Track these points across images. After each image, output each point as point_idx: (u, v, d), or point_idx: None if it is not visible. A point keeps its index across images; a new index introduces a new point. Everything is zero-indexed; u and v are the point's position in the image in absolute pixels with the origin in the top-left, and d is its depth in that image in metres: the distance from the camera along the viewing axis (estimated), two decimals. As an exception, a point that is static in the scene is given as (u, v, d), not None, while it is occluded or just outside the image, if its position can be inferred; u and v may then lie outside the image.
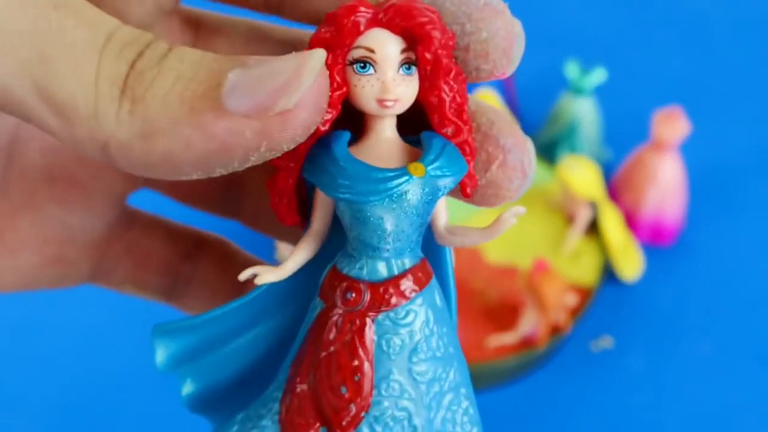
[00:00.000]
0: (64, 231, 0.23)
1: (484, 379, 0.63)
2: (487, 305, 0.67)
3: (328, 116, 0.19)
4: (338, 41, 0.18)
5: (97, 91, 0.16)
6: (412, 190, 0.19)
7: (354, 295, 0.19)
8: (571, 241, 0.70)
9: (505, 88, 0.81)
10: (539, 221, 0.73)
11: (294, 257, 0.20)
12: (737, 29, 0.98)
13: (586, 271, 0.69)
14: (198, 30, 0.22)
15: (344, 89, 0.19)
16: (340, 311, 0.19)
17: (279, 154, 0.17)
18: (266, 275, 0.20)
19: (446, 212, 0.20)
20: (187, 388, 0.20)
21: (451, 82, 0.19)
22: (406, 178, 0.18)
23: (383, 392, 0.19)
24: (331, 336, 0.19)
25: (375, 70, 0.19)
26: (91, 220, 0.24)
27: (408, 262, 0.20)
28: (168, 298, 0.26)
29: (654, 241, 0.74)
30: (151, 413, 0.62)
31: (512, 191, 0.21)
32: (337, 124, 0.19)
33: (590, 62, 0.78)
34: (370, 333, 0.19)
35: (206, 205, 0.25)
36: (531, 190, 0.75)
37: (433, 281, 0.20)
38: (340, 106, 0.19)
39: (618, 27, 0.98)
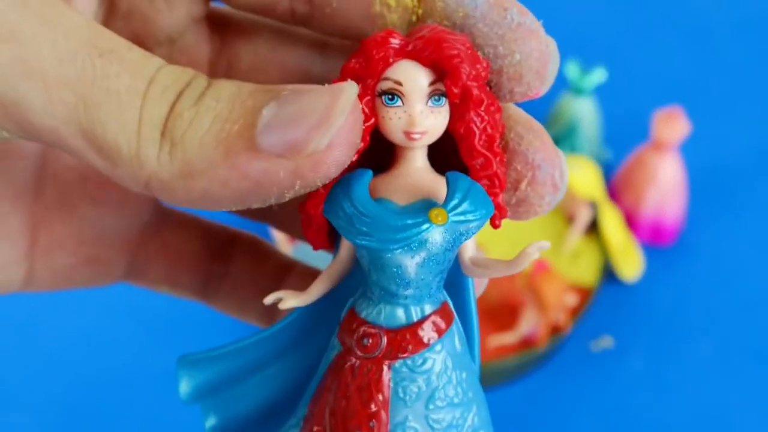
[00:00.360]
0: (99, 231, 0.24)
1: (484, 379, 0.62)
2: (487, 305, 0.67)
3: (358, 148, 0.19)
4: (367, 73, 0.18)
5: (139, 135, 0.17)
6: (433, 238, 0.18)
7: (371, 341, 0.18)
8: (571, 241, 0.70)
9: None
10: (539, 221, 0.73)
11: (318, 284, 0.20)
12: (737, 29, 0.98)
13: (586, 271, 0.69)
14: (225, 34, 0.22)
15: (372, 120, 0.19)
16: (357, 356, 0.18)
17: (314, 189, 0.18)
18: (290, 301, 0.20)
19: (474, 244, 0.20)
20: (211, 421, 0.20)
21: (483, 114, 0.19)
22: (427, 226, 0.18)
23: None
24: (348, 381, 0.18)
25: (403, 102, 0.19)
26: (125, 220, 0.24)
27: (428, 308, 0.19)
28: (202, 296, 0.26)
29: (654, 241, 0.74)
30: (153, 412, 0.62)
31: (543, 206, 0.21)
32: (368, 153, 0.19)
33: (590, 62, 0.78)
34: (386, 379, 0.18)
35: (238, 210, 0.25)
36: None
37: (453, 326, 0.20)
38: (368, 138, 0.19)
39: (618, 27, 0.98)
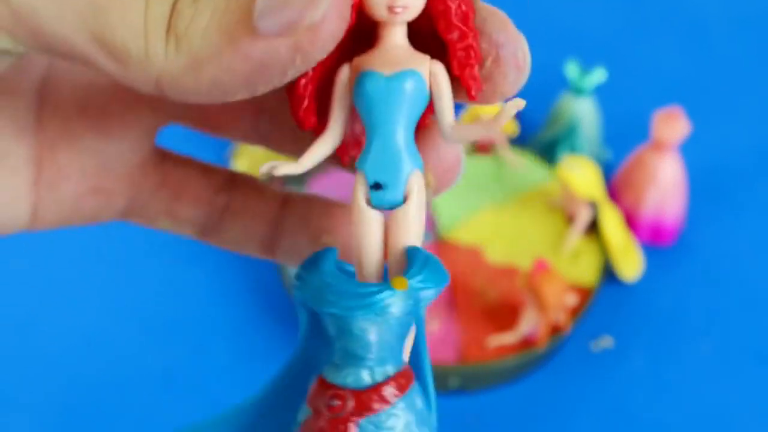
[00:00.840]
0: (102, 160, 0.24)
1: (484, 379, 0.63)
2: (487, 305, 0.67)
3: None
4: None
5: (146, 34, 0.18)
6: (396, 303, 0.19)
7: (338, 402, 0.19)
8: (571, 241, 0.70)
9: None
10: (539, 221, 0.73)
11: (311, 153, 0.21)
12: (737, 29, 0.98)
13: (586, 271, 0.69)
14: None
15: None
16: (326, 417, 0.20)
17: (312, 66, 0.19)
18: (284, 168, 0.21)
19: (452, 110, 0.21)
20: None
21: None
22: (390, 292, 0.19)
23: None
24: None
25: None
26: (126, 152, 0.25)
27: (391, 369, 0.20)
28: (202, 231, 0.27)
29: (654, 241, 0.74)
30: (153, 411, 0.62)
31: (508, 85, 0.22)
32: (352, 33, 0.20)
33: (590, 62, 0.78)
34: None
35: (237, 133, 0.26)
36: (531, 190, 0.75)
37: (415, 384, 0.21)
38: (354, 15, 0.20)
39: (618, 27, 0.98)
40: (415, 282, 0.19)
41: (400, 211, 0.21)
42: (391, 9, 0.20)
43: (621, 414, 0.63)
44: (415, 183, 0.21)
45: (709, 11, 1.01)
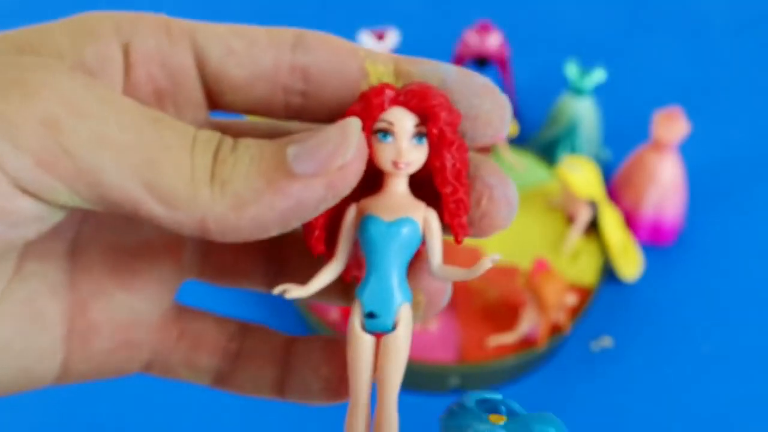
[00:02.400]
0: (130, 315, 0.27)
1: (484, 379, 0.63)
2: (487, 305, 0.67)
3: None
4: (366, 114, 0.24)
5: (193, 179, 0.21)
6: None
7: None
8: (571, 241, 0.70)
9: (504, 88, 0.81)
10: (539, 221, 0.73)
11: (319, 277, 0.25)
12: (736, 29, 0.98)
13: (586, 271, 0.69)
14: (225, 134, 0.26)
15: (369, 152, 0.24)
16: None
17: (339, 200, 0.22)
18: (294, 291, 0.24)
19: (441, 252, 0.25)
20: None
21: (453, 152, 0.24)
22: None
23: None
24: None
25: (393, 139, 0.24)
26: (152, 305, 0.27)
27: None
28: (218, 379, 0.29)
29: (654, 241, 0.74)
30: (152, 411, 0.62)
31: (502, 219, 0.25)
32: (362, 181, 0.24)
33: (590, 62, 0.78)
34: None
35: (250, 282, 0.29)
36: (531, 190, 0.75)
37: None
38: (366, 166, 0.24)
39: (618, 28, 0.98)
40: None
41: (390, 337, 0.24)
42: (395, 164, 0.24)
43: (621, 413, 0.63)
44: (403, 314, 0.24)
45: (708, 12, 1.01)
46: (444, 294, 0.26)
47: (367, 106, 0.24)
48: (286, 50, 0.24)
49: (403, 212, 0.24)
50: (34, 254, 0.25)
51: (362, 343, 0.24)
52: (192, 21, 0.25)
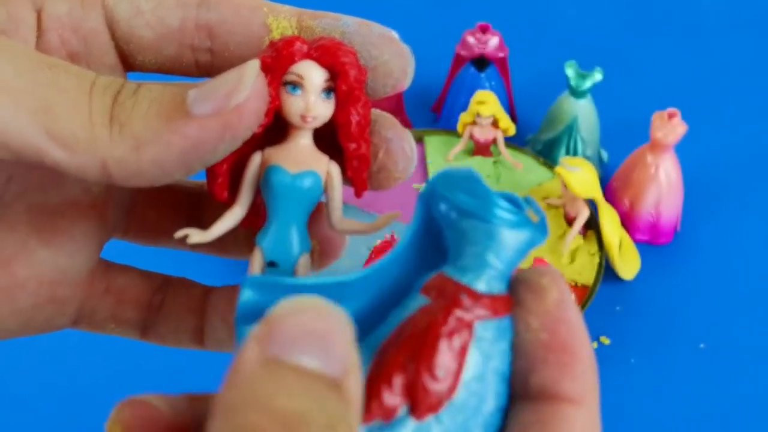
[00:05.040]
0: (56, 272, 0.27)
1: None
2: (487, 304, 0.67)
3: (263, 122, 0.24)
4: (277, 65, 0.24)
5: (91, 124, 0.21)
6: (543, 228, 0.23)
7: (469, 300, 0.21)
8: (569, 240, 0.71)
9: (504, 89, 0.82)
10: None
11: (220, 222, 0.25)
12: (732, 33, 0.99)
13: (584, 270, 0.69)
14: None
15: (277, 103, 0.24)
16: (448, 310, 0.21)
17: (240, 143, 0.23)
18: (195, 237, 0.25)
19: (340, 206, 0.26)
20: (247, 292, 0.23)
21: (359, 109, 0.25)
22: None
23: (470, 389, 0.21)
24: (439, 329, 0.20)
25: (302, 92, 0.24)
26: (77, 262, 0.27)
27: (504, 288, 0.22)
28: (143, 332, 0.29)
29: (651, 240, 0.75)
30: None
31: (400, 172, 0.26)
32: (268, 131, 0.25)
33: (588, 64, 0.78)
34: (474, 335, 0.21)
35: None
36: (531, 190, 0.76)
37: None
38: (272, 117, 0.24)
39: (616, 30, 0.99)
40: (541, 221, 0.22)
41: None
42: (303, 118, 0.25)
43: (618, 410, 0.63)
44: (302, 263, 0.25)
45: (705, 16, 1.02)
46: (341, 245, 0.27)
47: (277, 57, 0.24)
48: (191, 9, 0.25)
49: (307, 165, 0.25)
50: None
51: None
52: None
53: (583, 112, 0.76)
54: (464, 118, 0.76)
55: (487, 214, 0.21)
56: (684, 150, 0.74)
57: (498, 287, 0.21)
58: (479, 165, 0.78)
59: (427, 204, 0.22)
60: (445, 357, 0.20)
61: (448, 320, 0.20)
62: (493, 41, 0.79)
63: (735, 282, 0.72)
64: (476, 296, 0.21)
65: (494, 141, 0.76)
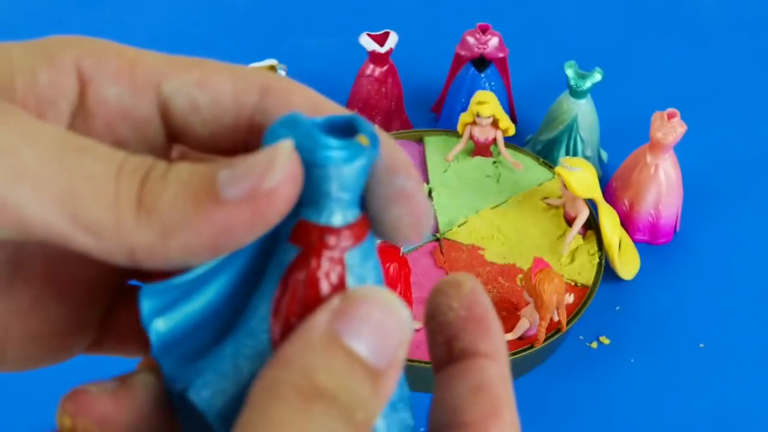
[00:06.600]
0: (70, 325, 0.27)
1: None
2: (487, 304, 0.67)
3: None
4: None
5: (118, 210, 0.21)
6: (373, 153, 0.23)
7: (333, 237, 0.22)
8: (570, 240, 0.71)
9: (503, 89, 0.82)
10: (538, 221, 0.74)
11: None
12: (732, 34, 0.99)
13: (584, 270, 0.69)
14: None
15: None
16: (320, 252, 0.22)
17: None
18: None
19: None
20: (159, 326, 0.23)
21: None
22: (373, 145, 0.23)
23: None
24: (316, 274, 0.22)
25: None
26: (91, 313, 0.27)
27: (359, 213, 0.23)
28: (146, 351, 0.29)
29: (651, 240, 0.75)
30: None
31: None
32: None
33: (588, 64, 0.78)
34: (348, 264, 0.23)
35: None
36: (531, 190, 0.76)
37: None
38: None
39: (616, 30, 0.99)
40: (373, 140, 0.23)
41: None
42: None
43: (618, 410, 0.63)
44: None
45: (705, 16, 1.02)
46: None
47: None
48: (248, 108, 0.24)
49: None
50: None
51: None
52: (159, 58, 0.25)
53: (582, 112, 0.76)
54: (464, 118, 0.76)
55: (319, 158, 0.22)
56: (684, 150, 0.74)
57: (352, 214, 0.23)
58: (479, 165, 0.78)
59: None
60: (327, 295, 0.22)
61: (321, 263, 0.22)
62: (493, 41, 0.79)
63: (734, 282, 0.72)
64: (337, 231, 0.22)
65: (494, 141, 0.77)
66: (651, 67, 0.94)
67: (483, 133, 0.76)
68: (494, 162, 0.78)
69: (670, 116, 0.70)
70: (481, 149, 0.77)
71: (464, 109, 0.79)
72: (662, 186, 0.72)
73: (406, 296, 0.67)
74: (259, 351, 0.22)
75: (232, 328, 0.23)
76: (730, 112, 0.88)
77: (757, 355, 0.67)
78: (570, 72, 0.76)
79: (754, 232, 0.76)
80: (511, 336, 0.64)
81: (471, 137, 0.76)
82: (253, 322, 0.23)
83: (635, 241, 0.74)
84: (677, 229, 0.76)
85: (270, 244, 0.23)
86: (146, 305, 0.23)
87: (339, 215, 0.22)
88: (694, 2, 1.03)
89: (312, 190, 0.22)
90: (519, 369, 0.65)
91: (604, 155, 0.82)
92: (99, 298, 0.27)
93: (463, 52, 0.80)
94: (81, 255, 0.24)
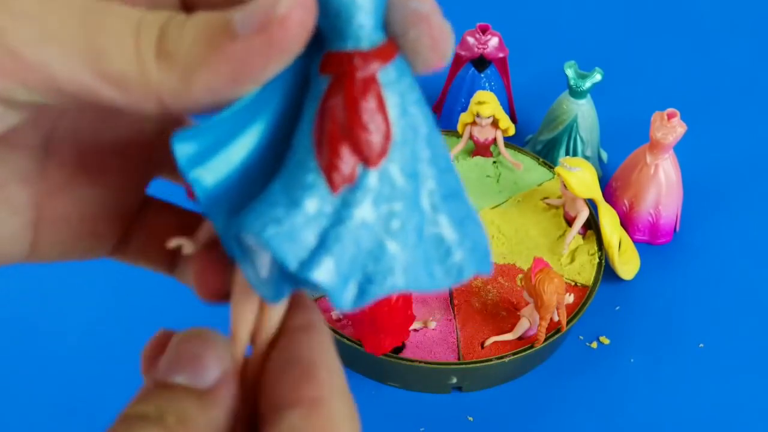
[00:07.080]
0: (100, 209, 0.28)
1: (484, 378, 0.63)
2: (487, 305, 0.67)
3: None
4: None
5: (139, 59, 0.21)
6: None
7: (361, 60, 0.23)
8: (569, 240, 0.71)
9: (503, 89, 0.82)
10: (538, 221, 0.74)
11: (203, 231, 0.25)
12: (733, 33, 0.99)
13: (584, 270, 0.70)
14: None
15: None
16: (353, 75, 0.23)
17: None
18: (186, 247, 0.25)
19: None
20: (206, 181, 0.24)
21: None
22: None
23: (401, 124, 0.23)
24: (352, 94, 0.23)
25: None
26: (121, 200, 0.28)
27: (384, 36, 0.24)
28: (171, 269, 0.30)
29: (651, 240, 0.75)
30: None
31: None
32: None
33: (588, 64, 0.78)
34: (380, 83, 0.23)
35: None
36: (531, 190, 0.76)
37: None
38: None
39: (616, 31, 0.99)
40: None
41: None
42: None
43: (619, 409, 0.64)
44: None
45: (705, 16, 1.02)
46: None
47: None
48: None
49: None
50: (6, 144, 0.26)
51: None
52: None
53: (582, 112, 0.77)
54: (464, 118, 0.76)
55: None
56: (683, 150, 0.74)
57: (378, 37, 0.23)
58: (479, 165, 0.78)
59: None
60: (368, 112, 0.22)
61: (354, 84, 0.23)
62: (493, 41, 0.79)
63: (734, 281, 0.72)
64: (364, 54, 0.23)
65: (494, 141, 0.77)
66: (651, 67, 0.94)
67: (483, 133, 0.76)
68: (494, 162, 0.78)
69: (670, 116, 0.70)
70: (481, 149, 0.77)
71: (464, 109, 0.79)
72: (662, 186, 0.72)
73: (406, 296, 0.67)
74: (311, 180, 0.23)
75: (277, 172, 0.24)
76: (730, 112, 0.88)
77: (757, 355, 0.67)
78: (570, 72, 0.76)
79: (753, 232, 0.77)
80: (511, 336, 0.64)
81: (471, 137, 0.76)
82: (298, 156, 0.23)
83: (635, 241, 0.74)
84: (677, 229, 0.76)
85: (304, 91, 0.24)
86: (180, 150, 0.23)
87: (365, 39, 0.23)
88: (694, 2, 1.03)
89: (334, 21, 0.23)
90: (519, 369, 0.65)
91: (604, 155, 0.82)
92: (126, 188, 0.28)
93: (463, 52, 0.80)
94: (112, 135, 0.26)
